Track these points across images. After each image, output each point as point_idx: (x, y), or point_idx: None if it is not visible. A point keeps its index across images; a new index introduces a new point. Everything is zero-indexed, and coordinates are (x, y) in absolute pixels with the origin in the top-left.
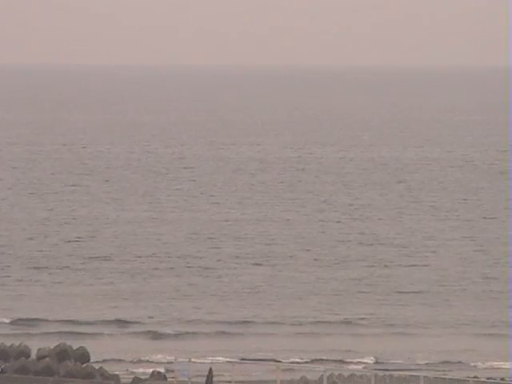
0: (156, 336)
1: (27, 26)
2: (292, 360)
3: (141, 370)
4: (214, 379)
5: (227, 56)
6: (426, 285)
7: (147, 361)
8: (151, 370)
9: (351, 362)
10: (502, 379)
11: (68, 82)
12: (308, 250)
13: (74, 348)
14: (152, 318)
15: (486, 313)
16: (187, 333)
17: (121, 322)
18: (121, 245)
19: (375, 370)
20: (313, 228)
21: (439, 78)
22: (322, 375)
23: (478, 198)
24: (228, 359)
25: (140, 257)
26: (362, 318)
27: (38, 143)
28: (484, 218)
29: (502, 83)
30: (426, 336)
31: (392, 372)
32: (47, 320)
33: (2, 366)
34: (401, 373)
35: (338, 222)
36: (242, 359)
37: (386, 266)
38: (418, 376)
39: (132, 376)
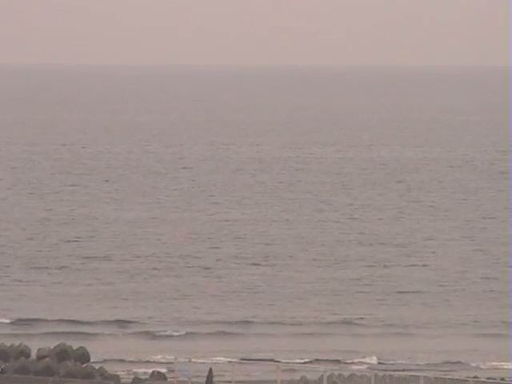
0: (156, 336)
1: (27, 25)
2: (292, 360)
3: (141, 370)
4: (214, 379)
5: (227, 56)
6: (425, 285)
7: (147, 361)
8: (151, 370)
9: (351, 362)
10: (502, 379)
11: (68, 81)
12: (307, 250)
13: (74, 348)
14: (152, 318)
15: (486, 313)
16: (187, 333)
17: (121, 322)
18: (120, 245)
19: (375, 370)
20: (312, 228)
21: (439, 78)
22: (322, 375)
23: (478, 198)
24: (228, 359)
25: (139, 257)
26: (362, 318)
27: (38, 143)
28: (484, 218)
29: (502, 83)
30: (426, 336)
31: (392, 372)
32: (47, 320)
33: (2, 366)
34: (401, 373)
35: (338, 222)
36: (242, 359)
37: (385, 266)
38: (418, 376)
39: (132, 376)
